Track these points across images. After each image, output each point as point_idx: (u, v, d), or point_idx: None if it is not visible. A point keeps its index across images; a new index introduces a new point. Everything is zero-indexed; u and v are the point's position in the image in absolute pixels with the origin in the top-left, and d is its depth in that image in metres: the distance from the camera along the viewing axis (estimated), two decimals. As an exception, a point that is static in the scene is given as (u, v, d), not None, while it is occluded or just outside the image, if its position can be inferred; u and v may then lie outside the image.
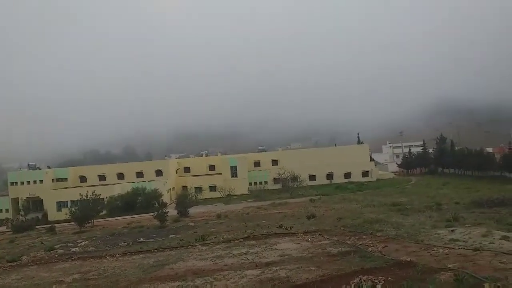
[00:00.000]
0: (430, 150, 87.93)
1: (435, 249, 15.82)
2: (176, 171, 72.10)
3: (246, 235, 23.41)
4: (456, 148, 76.22)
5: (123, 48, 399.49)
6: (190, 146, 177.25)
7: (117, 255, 21.50)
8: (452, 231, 19.42)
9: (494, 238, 16.81)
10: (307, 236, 21.56)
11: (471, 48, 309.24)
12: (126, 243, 25.85)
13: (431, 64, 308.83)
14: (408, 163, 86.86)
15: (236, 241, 21.97)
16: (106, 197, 49.98)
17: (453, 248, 15.75)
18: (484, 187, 46.89)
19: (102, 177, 66.32)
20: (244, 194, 61.65)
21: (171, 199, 60.12)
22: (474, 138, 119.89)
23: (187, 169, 74.69)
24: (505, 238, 16.59)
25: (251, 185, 66.71)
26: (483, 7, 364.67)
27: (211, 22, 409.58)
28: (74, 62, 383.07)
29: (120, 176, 65.93)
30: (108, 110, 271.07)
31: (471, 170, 67.40)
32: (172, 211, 40.64)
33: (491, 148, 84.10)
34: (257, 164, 73.61)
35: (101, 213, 44.18)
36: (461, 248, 15.55)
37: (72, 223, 40.22)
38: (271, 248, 19.06)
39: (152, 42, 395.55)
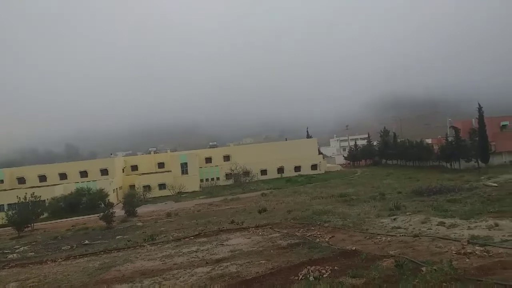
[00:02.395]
0: (375, 143, 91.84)
1: (379, 237, 16.48)
2: (123, 170, 69.78)
3: (197, 233, 23.11)
4: (399, 140, 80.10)
5: (72, 45, 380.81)
6: (138, 143, 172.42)
7: (60, 260, 20.33)
8: (395, 219, 20.39)
9: (431, 224, 17.86)
10: (258, 230, 21.68)
11: (413, 46, 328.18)
12: (69, 247, 24.58)
13: (378, 61, 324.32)
14: (354, 156, 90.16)
15: (187, 239, 21.59)
16: (48, 199, 47.35)
17: (395, 235, 16.50)
18: (424, 176, 49.67)
19: (42, 178, 62.75)
20: (195, 191, 60.99)
21: (118, 199, 58.13)
22: (415, 131, 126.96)
23: (134, 167, 72.58)
24: (441, 223, 17.69)
25: (202, 181, 66.20)
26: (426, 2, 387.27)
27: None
28: (19, 56, 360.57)
29: (63, 176, 62.79)
30: (48, 107, 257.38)
31: (412, 160, 71.30)
32: (119, 211, 39.31)
33: (430, 139, 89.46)
34: (208, 160, 73.20)
35: (42, 216, 41.76)
36: (402, 235, 16.33)
37: (10, 228, 37.64)
38: (222, 244, 18.93)
39: (101, 41, 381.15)
